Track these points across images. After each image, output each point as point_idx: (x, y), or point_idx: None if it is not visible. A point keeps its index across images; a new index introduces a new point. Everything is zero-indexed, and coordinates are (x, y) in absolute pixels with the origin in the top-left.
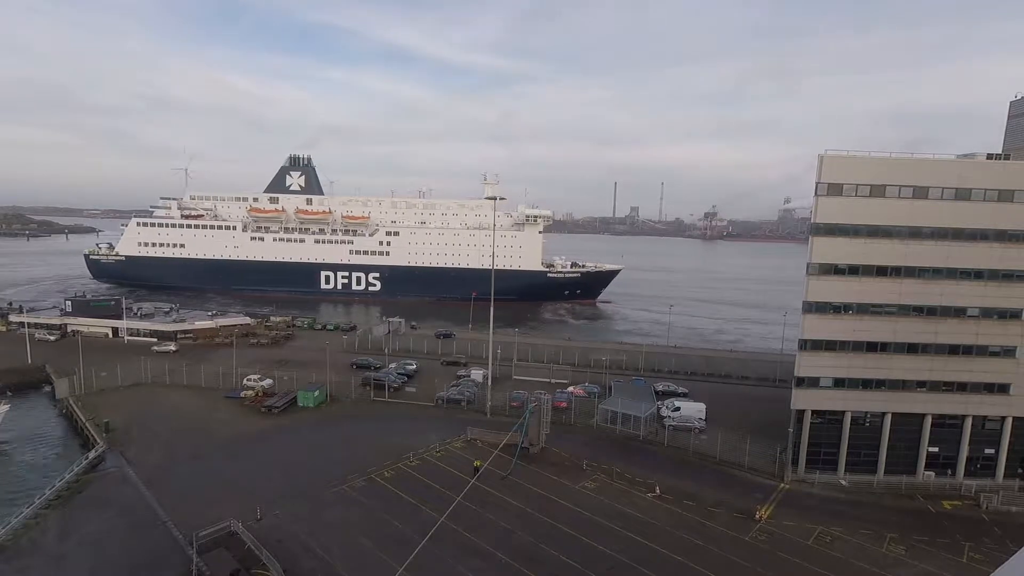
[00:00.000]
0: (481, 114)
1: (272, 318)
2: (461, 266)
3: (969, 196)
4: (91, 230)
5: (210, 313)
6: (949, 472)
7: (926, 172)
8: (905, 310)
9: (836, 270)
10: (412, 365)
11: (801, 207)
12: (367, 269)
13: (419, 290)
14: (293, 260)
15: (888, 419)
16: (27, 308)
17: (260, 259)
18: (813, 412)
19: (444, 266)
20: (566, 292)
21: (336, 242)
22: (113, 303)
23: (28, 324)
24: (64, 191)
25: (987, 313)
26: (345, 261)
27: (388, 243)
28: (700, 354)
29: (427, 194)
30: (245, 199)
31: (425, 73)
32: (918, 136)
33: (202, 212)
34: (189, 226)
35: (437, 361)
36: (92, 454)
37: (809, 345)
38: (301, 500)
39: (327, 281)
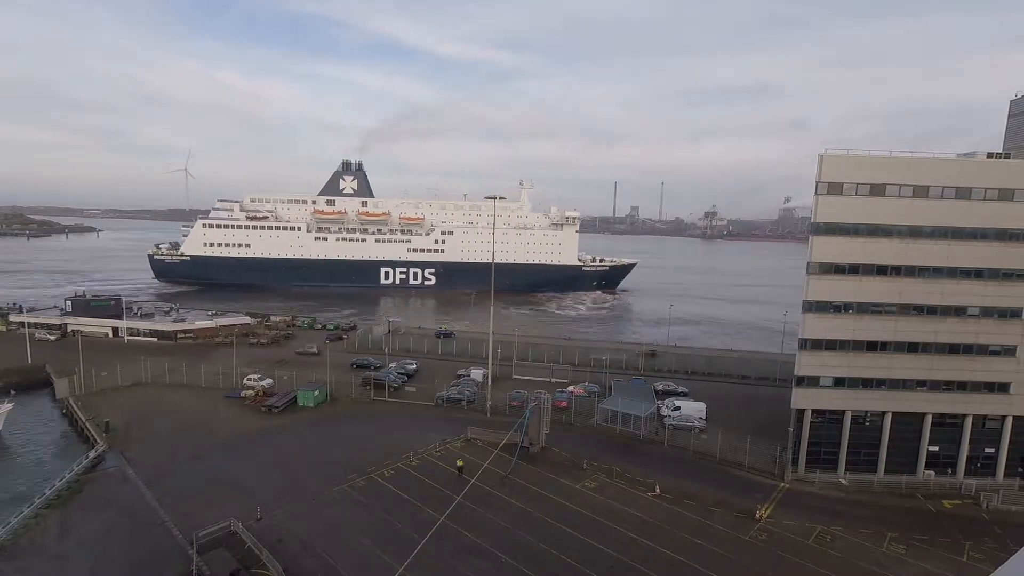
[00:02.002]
0: (479, 111)
1: (272, 318)
2: (508, 261)
3: (969, 195)
4: (91, 230)
5: (210, 313)
6: (949, 471)
7: (926, 171)
8: (905, 309)
9: (836, 269)
10: (412, 365)
11: (802, 206)
12: (423, 265)
13: (469, 283)
14: (355, 258)
15: (888, 418)
16: (27, 308)
17: (324, 257)
18: (813, 411)
19: (488, 261)
20: (594, 283)
21: (395, 241)
22: (113, 303)
23: (28, 324)
24: (63, 191)
25: (987, 312)
26: (403, 258)
27: (443, 241)
28: (700, 353)
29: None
30: (304, 201)
31: (423, 68)
32: (925, 132)
33: (266, 214)
34: (254, 227)
35: (437, 361)
36: (92, 454)
37: (809, 344)
38: (301, 500)
39: (386, 277)
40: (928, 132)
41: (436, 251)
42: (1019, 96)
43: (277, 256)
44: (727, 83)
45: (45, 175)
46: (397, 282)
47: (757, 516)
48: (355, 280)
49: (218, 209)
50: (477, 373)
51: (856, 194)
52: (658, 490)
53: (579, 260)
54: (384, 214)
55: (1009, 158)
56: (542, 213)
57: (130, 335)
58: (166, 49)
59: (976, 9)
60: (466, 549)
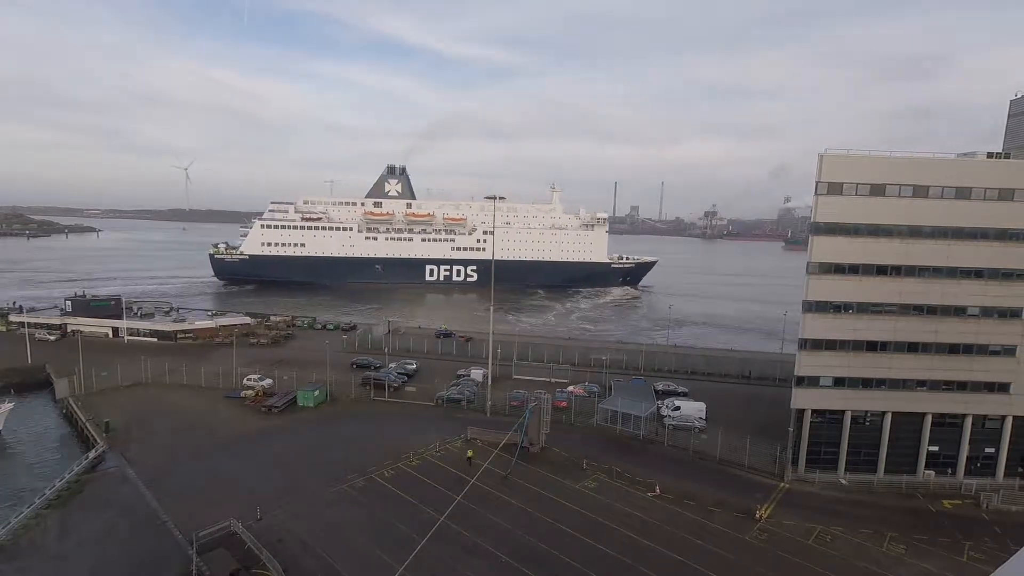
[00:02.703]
0: (478, 110)
1: (272, 317)
2: (543, 259)
3: (969, 195)
4: (91, 229)
5: (209, 313)
6: (949, 471)
7: (926, 171)
8: (905, 309)
9: (836, 269)
10: (412, 365)
11: (801, 206)
12: (466, 263)
13: (508, 280)
14: (403, 256)
15: (888, 418)
16: (27, 308)
17: (374, 255)
18: (813, 411)
19: (527, 259)
20: (620, 279)
21: (440, 240)
22: (113, 303)
23: (28, 324)
24: (63, 191)
25: (987, 312)
26: (447, 256)
27: (485, 240)
28: (700, 353)
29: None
30: (354, 203)
31: (421, 66)
32: (926, 132)
33: (319, 215)
34: (309, 227)
35: (437, 361)
36: (92, 454)
37: (809, 344)
38: (301, 500)
39: (431, 273)
40: (928, 132)
41: (477, 249)
42: (1019, 96)
43: (330, 255)
44: (727, 81)
45: (45, 175)
46: (441, 279)
47: (757, 516)
48: (403, 277)
49: (272, 211)
50: (477, 373)
51: (856, 194)
52: (658, 490)
53: (609, 258)
54: (429, 215)
55: (1009, 158)
56: (573, 214)
57: (130, 335)
58: (165, 48)
59: (977, 8)
60: (466, 549)
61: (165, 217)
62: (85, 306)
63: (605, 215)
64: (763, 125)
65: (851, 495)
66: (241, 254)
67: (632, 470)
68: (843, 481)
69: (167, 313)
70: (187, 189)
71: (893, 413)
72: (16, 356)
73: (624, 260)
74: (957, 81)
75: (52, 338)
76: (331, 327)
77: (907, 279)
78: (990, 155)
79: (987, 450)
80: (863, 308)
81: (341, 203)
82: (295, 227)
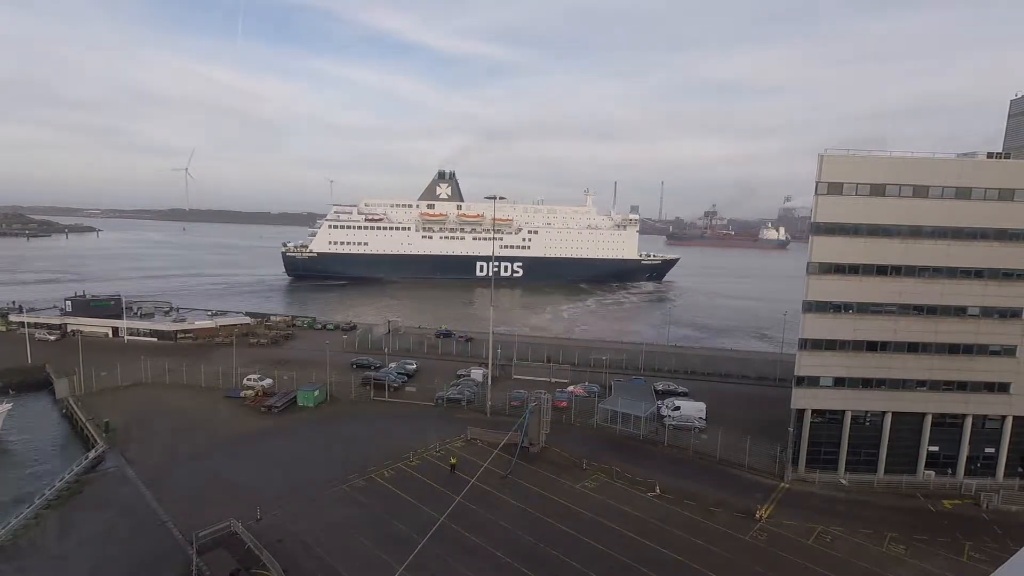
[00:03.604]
0: (476, 108)
1: (272, 317)
2: (580, 256)
3: (969, 195)
4: (91, 229)
5: (209, 313)
6: (949, 471)
7: (926, 171)
8: (905, 309)
9: (836, 269)
10: (412, 365)
11: (802, 206)
12: (512, 260)
13: (548, 275)
14: (456, 253)
15: (888, 418)
16: (27, 308)
17: (429, 253)
18: (813, 411)
19: (566, 256)
20: (647, 275)
21: (489, 239)
22: (113, 303)
23: (28, 324)
24: (63, 191)
25: (987, 312)
26: (495, 254)
27: (529, 239)
28: (699, 353)
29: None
30: (410, 205)
31: (418, 63)
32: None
33: (380, 216)
34: (371, 227)
35: (437, 361)
36: (92, 454)
37: (809, 344)
38: (301, 500)
39: (480, 269)
40: (929, 132)
41: (523, 248)
42: (1019, 96)
43: (390, 252)
44: (727, 80)
45: (45, 175)
46: (490, 274)
47: (757, 516)
48: (455, 272)
49: (337, 213)
50: (477, 373)
51: (856, 194)
52: (658, 490)
53: (638, 255)
54: (478, 216)
55: (1009, 158)
56: (606, 215)
57: (130, 335)
58: (162, 46)
59: (977, 7)
60: (466, 549)
61: (165, 217)
62: (85, 306)
63: (636, 216)
64: (763, 124)
65: (851, 495)
66: (311, 252)
67: (632, 470)
68: (843, 481)
69: (167, 313)
70: (187, 189)
71: (893, 413)
72: (16, 356)
73: (652, 257)
74: (958, 81)
75: (52, 338)
76: (331, 327)
77: (907, 279)
78: (990, 155)
79: (987, 450)
80: (863, 308)
81: (398, 205)
82: (359, 227)
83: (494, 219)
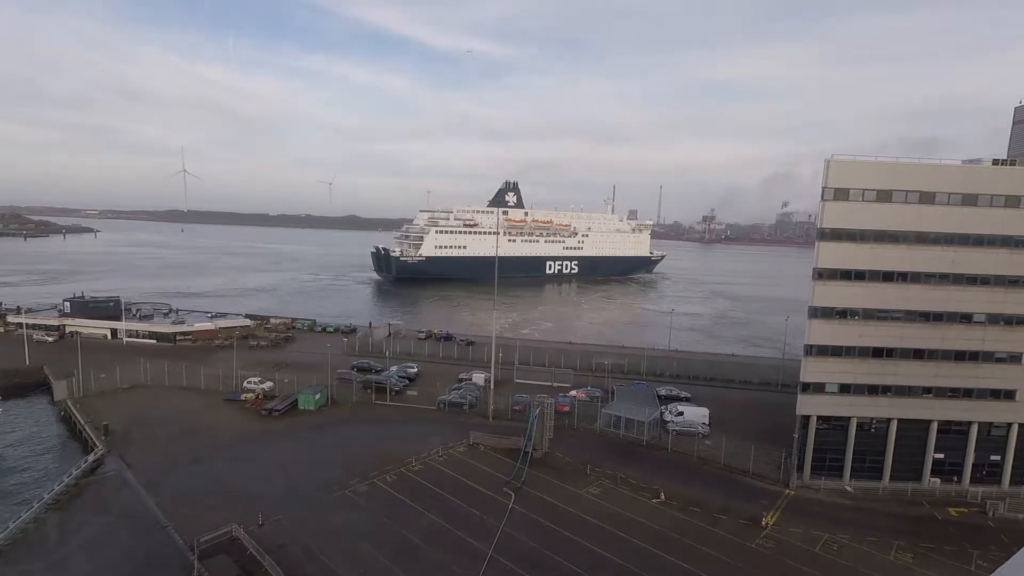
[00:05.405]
0: (474, 109)
1: (272, 320)
2: (605, 255)
3: (976, 202)
4: (88, 230)
5: (209, 315)
6: (955, 479)
7: (933, 177)
8: (911, 316)
9: (842, 275)
10: (413, 368)
11: (800, 211)
12: (570, 259)
13: (593, 271)
14: (532, 255)
15: (894, 425)
16: (25, 309)
17: (512, 255)
18: (818, 418)
19: (604, 255)
20: (648, 269)
21: (555, 242)
22: (112, 304)
23: (26, 325)
24: (61, 191)
25: (993, 319)
26: (560, 254)
27: (583, 242)
28: (702, 358)
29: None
30: (491, 212)
31: (416, 62)
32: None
33: (476, 221)
34: (469, 232)
35: (439, 364)
36: (91, 457)
37: (815, 350)
38: (303, 505)
39: (548, 268)
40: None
41: (579, 248)
42: (1023, 103)
43: (482, 255)
44: (727, 80)
45: (42, 175)
46: (555, 272)
47: (763, 523)
48: (530, 271)
49: (423, 216)
50: (479, 377)
51: (863, 200)
52: (663, 496)
53: (649, 253)
54: (548, 221)
55: (1015, 165)
56: (627, 220)
57: (129, 337)
58: (154, 44)
59: (979, 7)
60: (469, 555)
61: (163, 218)
62: (84, 307)
63: (650, 222)
64: (763, 127)
65: (856, 502)
66: (420, 256)
67: (636, 476)
68: (848, 488)
69: (166, 315)
70: (186, 190)
71: (899, 420)
72: (14, 357)
73: (654, 255)
74: (959, 84)
75: (50, 339)
76: (331, 329)
77: (913, 285)
78: (996, 162)
79: (993, 457)
80: (869, 314)
81: (483, 212)
82: (460, 232)
83: (583, 225)
